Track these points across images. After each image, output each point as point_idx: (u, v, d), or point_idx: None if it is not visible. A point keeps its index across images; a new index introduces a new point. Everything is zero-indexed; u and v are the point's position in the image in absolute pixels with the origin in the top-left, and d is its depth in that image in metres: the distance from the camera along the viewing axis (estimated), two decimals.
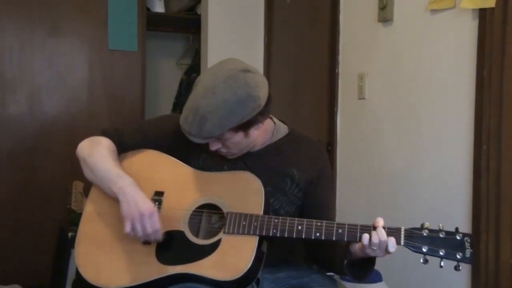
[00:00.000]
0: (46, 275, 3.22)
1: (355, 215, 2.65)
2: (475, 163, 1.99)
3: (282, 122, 1.86)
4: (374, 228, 1.53)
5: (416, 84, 2.29)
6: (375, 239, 1.51)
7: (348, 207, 2.70)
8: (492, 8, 1.90)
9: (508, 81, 1.89)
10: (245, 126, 1.63)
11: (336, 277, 1.86)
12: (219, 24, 3.50)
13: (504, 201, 1.91)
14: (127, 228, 1.65)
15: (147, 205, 1.65)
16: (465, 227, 2.02)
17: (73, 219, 2.85)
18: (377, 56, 2.53)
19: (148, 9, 3.80)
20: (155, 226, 1.65)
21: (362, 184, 2.64)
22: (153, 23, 3.81)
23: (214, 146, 1.68)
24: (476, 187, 1.98)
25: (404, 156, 2.35)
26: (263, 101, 1.63)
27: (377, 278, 2.20)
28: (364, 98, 2.61)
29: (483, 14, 1.94)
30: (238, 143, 1.68)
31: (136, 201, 1.65)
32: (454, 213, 2.08)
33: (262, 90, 1.64)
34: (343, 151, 2.79)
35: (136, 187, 1.69)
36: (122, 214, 1.66)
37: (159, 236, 1.66)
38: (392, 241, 1.50)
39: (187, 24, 4.09)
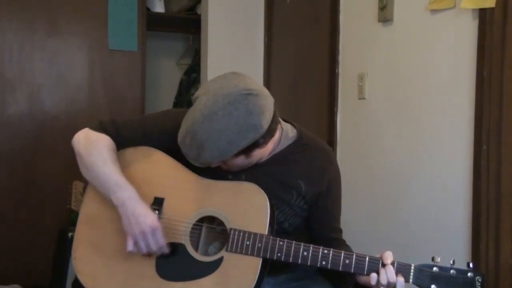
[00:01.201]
0: (46, 275, 3.22)
1: (355, 215, 2.64)
2: (475, 163, 1.98)
3: (291, 124, 1.77)
4: (383, 264, 1.48)
5: (416, 84, 2.29)
6: (383, 280, 1.46)
7: (347, 207, 2.69)
8: (492, 8, 1.90)
9: (508, 81, 1.89)
10: (246, 151, 1.55)
11: None
12: (219, 24, 3.49)
13: (504, 201, 1.91)
14: (129, 246, 1.60)
15: (149, 221, 1.58)
16: (465, 227, 2.02)
17: (73, 219, 2.82)
18: (377, 56, 2.53)
19: (148, 9, 3.81)
20: (159, 243, 1.59)
21: (361, 184, 2.64)
22: (153, 23, 3.81)
23: (215, 164, 1.60)
24: (476, 187, 1.98)
25: (404, 156, 2.35)
26: (266, 126, 1.52)
27: None
28: (364, 98, 2.61)
29: (483, 14, 1.94)
30: (240, 163, 1.61)
31: (137, 217, 1.59)
32: (454, 213, 2.08)
33: (266, 115, 1.52)
34: (343, 151, 2.79)
35: (136, 199, 1.61)
36: (123, 229, 1.61)
37: (165, 250, 1.62)
38: (400, 281, 1.46)
39: (187, 24, 4.09)
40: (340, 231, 1.79)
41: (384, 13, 2.44)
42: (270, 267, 1.62)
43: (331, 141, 2.83)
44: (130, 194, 1.62)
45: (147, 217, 1.59)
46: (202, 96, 1.53)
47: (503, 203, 1.91)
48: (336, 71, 2.80)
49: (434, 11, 2.18)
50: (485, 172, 1.94)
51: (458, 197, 2.07)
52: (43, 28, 3.41)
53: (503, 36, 1.89)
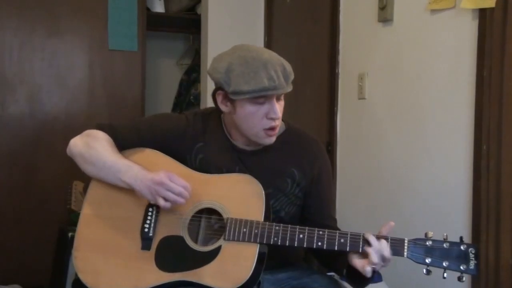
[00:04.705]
0: (46, 275, 3.22)
1: (355, 215, 2.65)
2: (475, 163, 1.99)
3: None
4: (377, 238, 1.53)
5: (416, 84, 2.29)
6: (374, 245, 1.51)
7: (348, 206, 2.70)
8: (492, 8, 1.90)
9: (508, 81, 1.89)
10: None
11: (337, 277, 1.86)
12: (219, 24, 3.50)
13: (504, 201, 1.91)
14: (161, 203, 1.62)
15: (160, 174, 1.62)
16: (465, 227, 2.03)
17: (73, 219, 2.83)
18: (377, 56, 2.53)
19: (148, 9, 3.80)
20: (181, 183, 1.62)
21: (362, 184, 2.64)
22: (153, 23, 3.81)
23: (285, 87, 1.69)
24: (476, 187, 1.98)
25: (404, 156, 2.35)
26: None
27: (378, 278, 2.20)
28: (364, 98, 2.61)
29: (483, 14, 1.94)
30: (283, 107, 1.72)
31: (151, 179, 1.63)
32: (454, 213, 2.08)
33: None
34: (343, 151, 2.79)
35: (145, 170, 1.66)
36: (148, 197, 1.65)
37: (189, 190, 1.64)
38: (383, 243, 1.50)
39: (187, 24, 4.09)
40: (335, 220, 1.82)
41: (384, 13, 2.44)
42: (270, 265, 1.64)
43: (331, 141, 2.83)
44: (139, 169, 1.67)
45: (157, 173, 1.63)
46: (235, 52, 1.71)
47: (503, 203, 1.91)
48: (336, 71, 2.80)
49: (434, 11, 2.18)
50: (485, 172, 1.94)
51: (458, 197, 2.07)
52: (43, 28, 3.41)
53: (503, 36, 1.89)
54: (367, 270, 1.51)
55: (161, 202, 1.63)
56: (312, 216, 1.77)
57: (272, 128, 1.68)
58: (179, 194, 1.62)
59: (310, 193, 1.77)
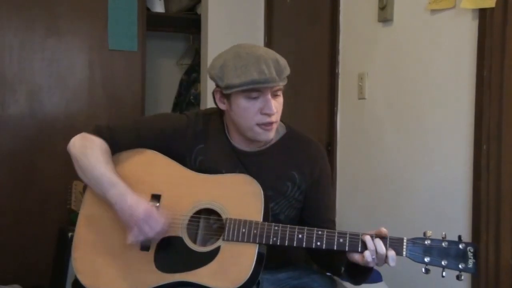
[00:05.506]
0: (46, 275, 3.22)
1: (355, 215, 2.65)
2: (475, 163, 1.99)
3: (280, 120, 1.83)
4: (376, 237, 1.52)
5: (416, 84, 2.29)
6: (371, 247, 1.50)
7: (348, 207, 2.70)
8: (492, 8, 1.90)
9: (508, 81, 1.89)
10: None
11: (336, 277, 1.86)
12: (219, 24, 3.50)
13: (504, 201, 1.91)
14: (129, 239, 1.63)
15: (141, 209, 1.62)
16: (465, 227, 2.02)
17: (73, 219, 2.83)
18: (377, 56, 2.53)
19: (148, 9, 3.81)
20: (155, 228, 1.62)
21: (362, 184, 2.64)
22: (153, 23, 3.81)
23: (279, 81, 1.66)
24: (476, 187, 1.98)
25: (404, 156, 2.35)
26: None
27: (377, 278, 2.20)
28: (364, 98, 2.61)
29: (483, 14, 1.94)
30: (281, 105, 1.70)
31: (130, 208, 1.62)
32: (454, 213, 2.08)
33: None
34: (343, 151, 2.79)
35: (128, 193, 1.65)
36: (123, 224, 1.65)
37: (161, 235, 1.64)
38: (392, 255, 1.49)
39: (187, 24, 4.09)
40: (334, 223, 1.82)
41: (384, 13, 2.44)
42: (269, 265, 1.63)
43: (331, 141, 2.83)
44: (122, 190, 1.66)
45: (139, 206, 1.63)
46: (232, 49, 1.70)
47: (503, 203, 1.91)
48: (336, 71, 2.80)
49: (434, 11, 2.18)
50: (485, 171, 1.94)
51: (458, 197, 2.07)
52: (43, 28, 3.41)
53: (503, 36, 1.89)
54: (367, 258, 1.51)
55: (131, 237, 1.63)
56: (310, 219, 1.76)
57: (267, 124, 1.68)
58: (147, 235, 1.62)
59: (310, 196, 1.77)
